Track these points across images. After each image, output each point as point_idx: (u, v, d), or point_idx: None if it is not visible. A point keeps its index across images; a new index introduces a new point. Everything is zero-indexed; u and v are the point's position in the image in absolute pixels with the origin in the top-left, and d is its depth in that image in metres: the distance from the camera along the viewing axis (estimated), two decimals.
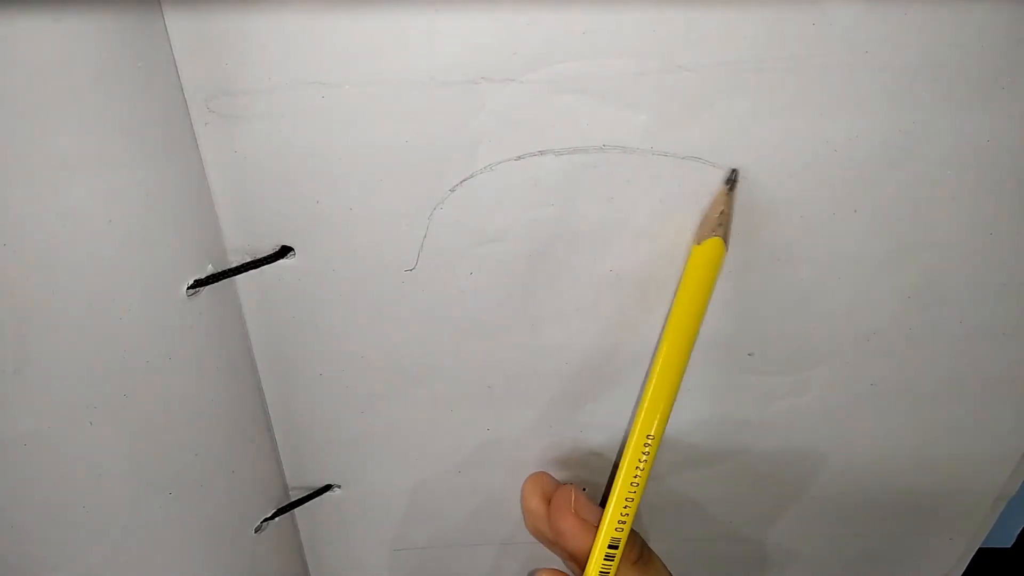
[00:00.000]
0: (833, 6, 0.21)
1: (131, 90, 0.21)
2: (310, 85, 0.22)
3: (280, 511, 0.32)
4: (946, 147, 0.24)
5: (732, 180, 0.24)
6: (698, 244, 0.25)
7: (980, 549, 0.36)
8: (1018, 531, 0.40)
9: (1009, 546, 0.40)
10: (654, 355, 0.26)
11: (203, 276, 0.25)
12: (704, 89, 0.22)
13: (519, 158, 0.24)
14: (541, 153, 0.24)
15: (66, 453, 0.25)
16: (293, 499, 0.33)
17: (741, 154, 0.24)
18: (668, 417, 0.25)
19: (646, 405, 0.25)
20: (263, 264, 0.26)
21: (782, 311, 0.27)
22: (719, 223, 0.24)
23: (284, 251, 0.26)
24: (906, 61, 0.22)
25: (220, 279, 0.25)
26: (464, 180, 0.24)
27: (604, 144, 0.23)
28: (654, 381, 0.25)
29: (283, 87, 0.22)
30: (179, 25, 0.21)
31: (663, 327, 0.26)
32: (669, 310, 0.26)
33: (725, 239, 0.24)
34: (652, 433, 0.25)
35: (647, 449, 0.25)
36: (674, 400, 0.25)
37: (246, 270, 0.26)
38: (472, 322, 0.27)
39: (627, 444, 0.26)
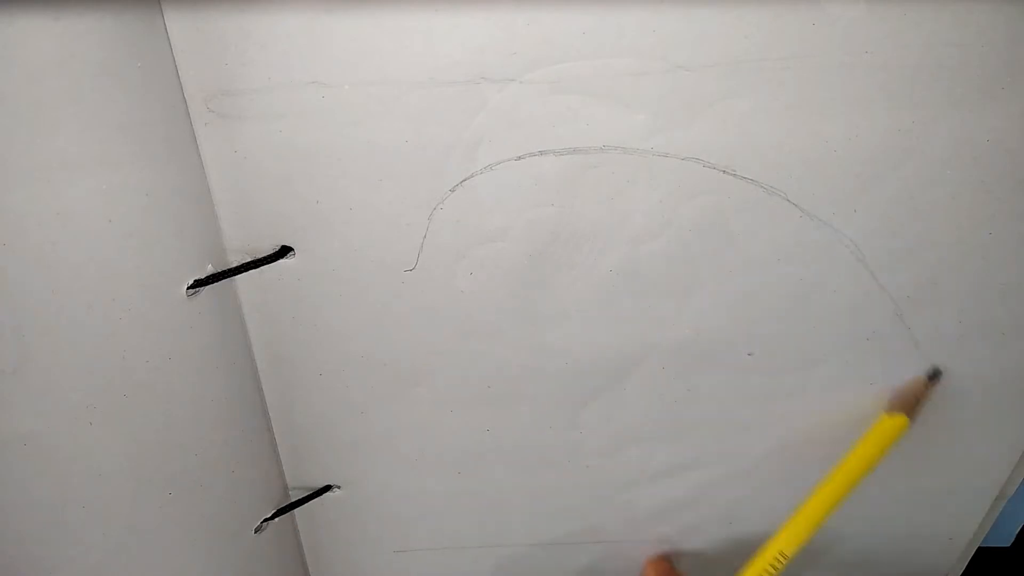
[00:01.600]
0: (833, 6, 0.21)
1: (131, 90, 0.21)
2: (310, 85, 0.22)
3: (280, 511, 0.32)
4: (946, 147, 0.24)
5: (935, 376, 0.29)
6: (889, 415, 0.28)
7: (979, 548, 0.36)
8: (1017, 530, 0.40)
9: (1008, 545, 0.40)
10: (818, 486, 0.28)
11: (203, 276, 0.25)
12: (704, 89, 0.22)
13: (519, 158, 0.24)
14: (541, 153, 0.24)
15: (66, 453, 0.25)
16: (293, 499, 0.33)
17: (741, 153, 0.24)
18: (804, 544, 0.28)
19: (791, 526, 0.28)
20: (263, 264, 0.26)
21: (782, 311, 0.27)
22: (913, 406, 0.28)
23: (284, 251, 0.26)
24: (906, 61, 0.22)
25: (220, 279, 0.25)
26: (464, 180, 0.24)
27: (604, 145, 0.23)
28: (808, 507, 0.28)
29: (283, 87, 0.22)
30: (179, 25, 0.21)
31: (833, 468, 0.29)
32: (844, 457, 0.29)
33: (912, 419, 0.28)
34: (787, 553, 0.28)
35: (777, 564, 0.28)
36: (816, 530, 0.28)
37: (246, 270, 0.26)
38: (472, 322, 0.27)
39: (759, 553, 0.28)
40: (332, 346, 0.28)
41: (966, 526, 0.35)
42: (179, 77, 0.22)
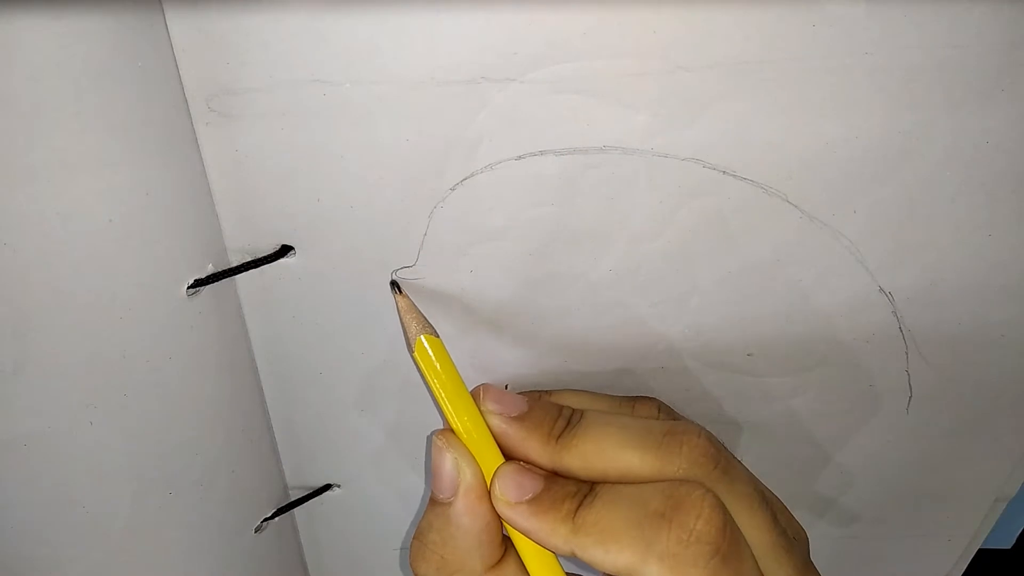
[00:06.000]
0: (833, 6, 0.21)
1: (131, 90, 0.21)
2: (311, 84, 0.22)
3: (280, 511, 0.32)
4: (946, 148, 0.24)
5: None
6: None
7: (980, 550, 0.36)
8: (1018, 532, 0.40)
9: (1009, 547, 0.40)
10: None
11: (203, 276, 0.25)
12: (704, 89, 0.22)
13: (519, 158, 0.24)
14: (542, 153, 0.24)
15: (66, 453, 0.25)
16: (293, 499, 0.33)
17: (741, 154, 0.24)
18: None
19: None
20: (263, 264, 0.26)
21: (782, 312, 0.27)
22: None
23: (284, 251, 0.26)
24: (906, 61, 0.22)
25: (220, 279, 0.25)
26: (464, 179, 0.24)
27: (605, 145, 0.23)
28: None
29: (284, 86, 0.22)
30: (179, 25, 0.21)
31: None
32: None
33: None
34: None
35: None
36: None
37: (246, 270, 0.26)
38: (472, 321, 0.27)
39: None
40: (332, 346, 0.28)
41: (966, 527, 0.35)
42: (180, 77, 0.22)
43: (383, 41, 0.21)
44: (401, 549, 0.35)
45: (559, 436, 0.23)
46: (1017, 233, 0.26)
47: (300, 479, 0.32)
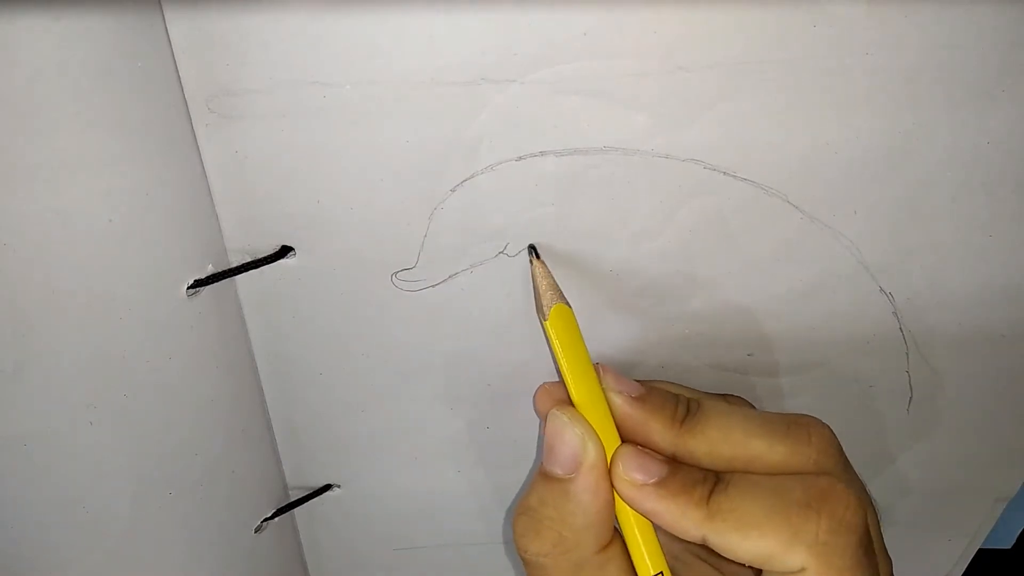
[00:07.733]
0: (833, 6, 0.21)
1: (131, 90, 0.21)
2: (311, 85, 0.22)
3: (280, 511, 0.32)
4: (946, 148, 0.24)
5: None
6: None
7: (980, 550, 0.36)
8: (1018, 532, 0.40)
9: (1009, 547, 0.40)
10: None
11: (203, 276, 0.25)
12: (704, 90, 0.22)
13: (520, 158, 0.24)
14: (542, 154, 0.24)
15: (66, 453, 0.25)
16: (293, 499, 0.33)
17: (741, 154, 0.24)
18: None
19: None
20: (263, 264, 0.26)
21: (782, 312, 0.27)
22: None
23: (284, 251, 0.26)
24: (906, 62, 0.22)
25: (220, 279, 0.25)
26: (465, 180, 0.24)
27: (605, 146, 0.23)
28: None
29: (284, 87, 0.22)
30: (179, 25, 0.21)
31: None
32: None
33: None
34: None
35: None
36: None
37: (246, 270, 0.26)
38: (472, 320, 0.27)
39: None
40: (332, 346, 0.28)
41: (966, 526, 0.35)
42: (179, 77, 0.22)
43: (383, 42, 0.21)
44: (400, 549, 0.35)
45: (682, 421, 0.23)
46: (1017, 233, 0.26)
47: (300, 479, 0.32)
